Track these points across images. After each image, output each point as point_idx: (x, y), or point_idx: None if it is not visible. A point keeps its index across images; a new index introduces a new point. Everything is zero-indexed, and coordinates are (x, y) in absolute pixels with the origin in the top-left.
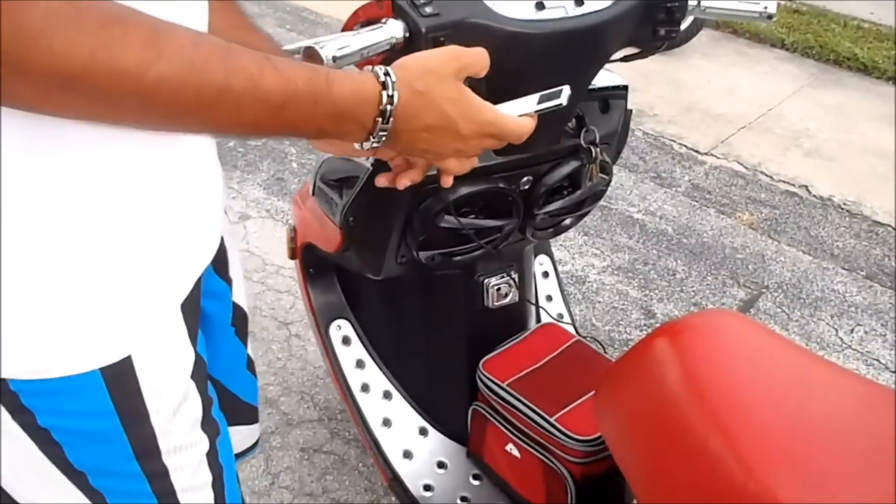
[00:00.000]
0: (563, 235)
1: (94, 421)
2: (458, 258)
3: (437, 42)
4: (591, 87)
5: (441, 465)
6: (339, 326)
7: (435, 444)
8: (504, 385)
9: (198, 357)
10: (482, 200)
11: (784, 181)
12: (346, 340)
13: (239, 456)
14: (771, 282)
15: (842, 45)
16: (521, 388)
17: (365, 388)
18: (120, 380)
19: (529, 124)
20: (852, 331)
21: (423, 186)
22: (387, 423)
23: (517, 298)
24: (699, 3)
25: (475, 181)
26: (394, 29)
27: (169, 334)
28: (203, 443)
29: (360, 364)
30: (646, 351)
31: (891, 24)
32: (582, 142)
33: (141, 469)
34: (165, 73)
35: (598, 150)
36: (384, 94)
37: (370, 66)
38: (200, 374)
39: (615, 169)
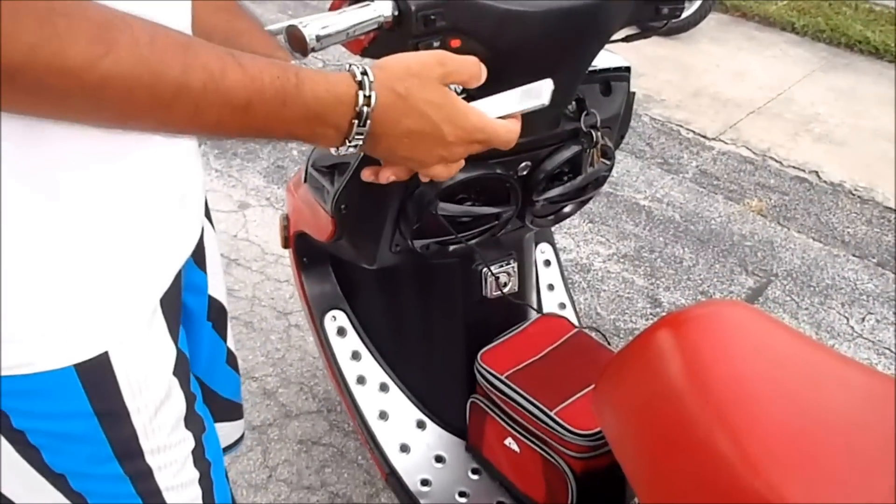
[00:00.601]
0: (567, 222)
1: (70, 422)
2: (455, 247)
3: (427, 21)
4: (591, 68)
5: (439, 459)
6: (335, 317)
7: (433, 438)
8: (502, 377)
9: (179, 353)
10: (478, 187)
11: (794, 167)
12: (341, 331)
13: (223, 451)
14: (780, 269)
15: (853, 28)
16: (519, 381)
17: (361, 380)
18: (96, 378)
19: (517, 128)
20: (863, 319)
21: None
22: (383, 416)
23: (517, 288)
24: None
25: (471, 167)
26: (382, 7)
27: (148, 330)
28: (188, 440)
29: (355, 356)
30: (647, 343)
31: None
32: (582, 125)
33: (123, 470)
34: (114, 70)
35: (599, 134)
36: (361, 94)
37: (347, 64)
38: (182, 370)
39: (621, 155)
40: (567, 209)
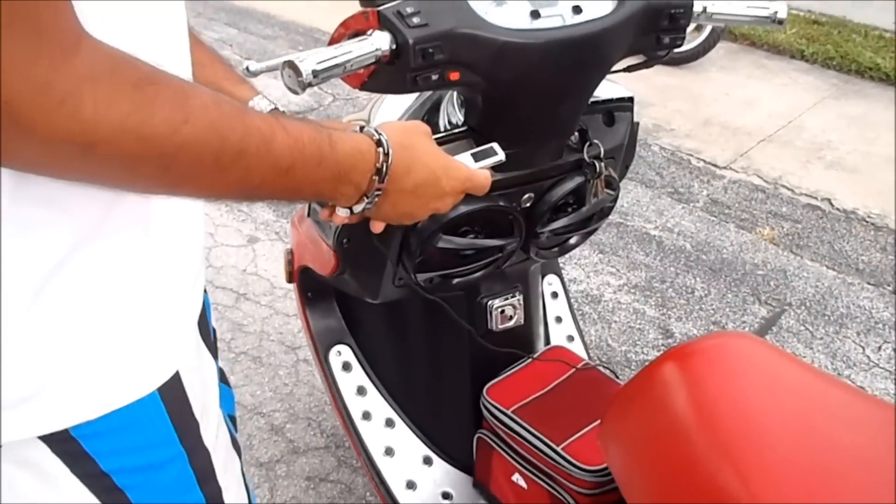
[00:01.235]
0: (577, 253)
1: (157, 451)
2: (458, 280)
3: (425, 54)
4: (594, 99)
5: (446, 495)
6: (339, 352)
7: (440, 474)
8: (509, 412)
9: (219, 368)
10: (481, 219)
11: (806, 194)
12: (346, 366)
13: None
14: (794, 299)
15: (863, 54)
16: (526, 416)
17: (366, 415)
18: (175, 398)
19: (489, 178)
20: (879, 348)
21: None
22: (389, 451)
23: (523, 321)
24: (704, 8)
25: (473, 199)
26: (379, 40)
27: (196, 348)
28: (236, 460)
29: (361, 391)
30: (653, 376)
31: None
32: (585, 156)
33: (203, 495)
34: (191, 136)
35: (602, 164)
36: (380, 150)
37: (360, 127)
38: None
39: (630, 185)
40: (572, 240)
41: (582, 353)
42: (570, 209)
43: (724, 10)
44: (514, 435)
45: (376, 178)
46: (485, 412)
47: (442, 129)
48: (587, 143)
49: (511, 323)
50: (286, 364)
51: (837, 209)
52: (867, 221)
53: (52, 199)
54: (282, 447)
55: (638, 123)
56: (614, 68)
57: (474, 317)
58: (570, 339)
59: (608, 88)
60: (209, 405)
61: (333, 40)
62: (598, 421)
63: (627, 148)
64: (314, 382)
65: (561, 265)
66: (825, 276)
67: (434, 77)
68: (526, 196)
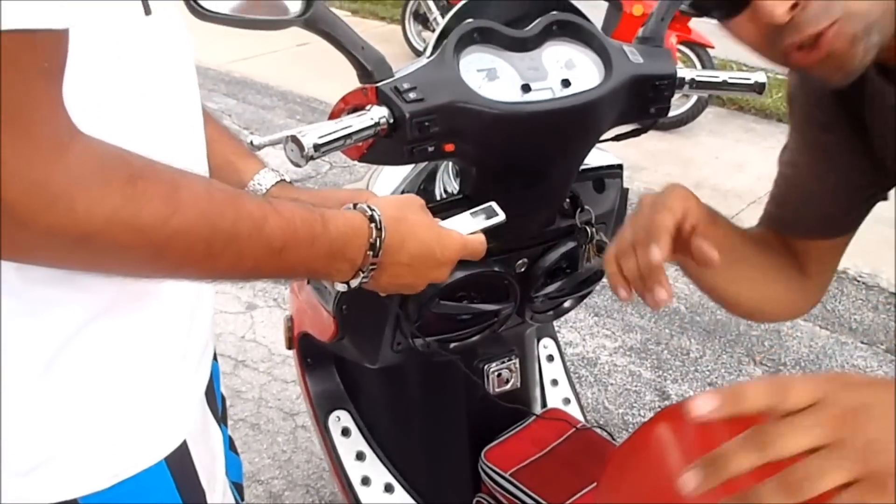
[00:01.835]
0: (572, 316)
1: None
2: (455, 344)
3: (421, 127)
4: (584, 166)
5: None
6: (339, 417)
7: None
8: (507, 475)
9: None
10: (477, 284)
11: None
12: (345, 432)
13: None
14: (788, 359)
15: None
16: (524, 478)
17: (365, 480)
18: (182, 467)
19: (484, 243)
20: None
21: None
22: None
23: (519, 384)
24: (688, 79)
25: (469, 265)
26: (377, 114)
27: (203, 416)
28: None
29: (360, 456)
30: (646, 438)
31: None
32: (577, 222)
33: None
34: (181, 227)
35: (593, 230)
36: (373, 226)
37: (352, 205)
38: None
39: None
40: (566, 304)
41: (578, 415)
42: (563, 273)
43: (707, 80)
44: (513, 498)
45: (370, 252)
46: (483, 475)
47: (438, 197)
48: (579, 210)
49: (507, 386)
50: (284, 431)
51: None
52: (858, 280)
53: (70, 279)
54: None
55: (627, 189)
56: (603, 137)
57: (471, 381)
58: (567, 401)
59: (598, 156)
60: (216, 473)
61: (334, 114)
62: (595, 483)
63: (618, 213)
64: (312, 449)
65: (556, 328)
66: (819, 335)
67: (430, 149)
68: (520, 261)
